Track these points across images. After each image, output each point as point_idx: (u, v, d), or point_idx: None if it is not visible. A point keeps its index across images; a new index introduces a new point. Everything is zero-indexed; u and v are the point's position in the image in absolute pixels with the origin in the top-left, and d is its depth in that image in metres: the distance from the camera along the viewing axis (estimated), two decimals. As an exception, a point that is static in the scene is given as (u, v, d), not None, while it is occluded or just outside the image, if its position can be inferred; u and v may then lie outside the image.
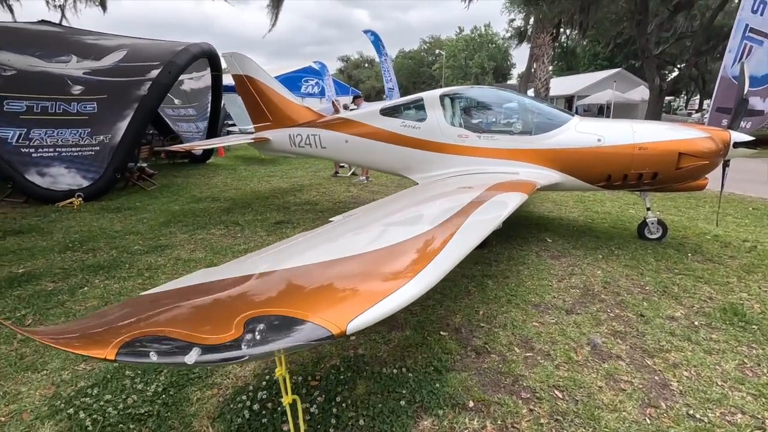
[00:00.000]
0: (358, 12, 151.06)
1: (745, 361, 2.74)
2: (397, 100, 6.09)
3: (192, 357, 1.38)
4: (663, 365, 2.70)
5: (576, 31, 28.20)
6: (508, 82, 52.53)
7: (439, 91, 5.55)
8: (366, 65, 71.78)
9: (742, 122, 5.92)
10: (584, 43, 44.12)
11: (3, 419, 2.29)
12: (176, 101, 12.07)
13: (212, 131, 12.29)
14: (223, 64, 8.98)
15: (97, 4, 14.53)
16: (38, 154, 7.26)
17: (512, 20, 32.22)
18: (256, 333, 1.46)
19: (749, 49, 6.48)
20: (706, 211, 6.72)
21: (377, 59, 22.97)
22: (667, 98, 34.98)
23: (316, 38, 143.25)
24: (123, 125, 7.52)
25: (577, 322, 3.23)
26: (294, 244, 2.68)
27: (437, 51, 55.94)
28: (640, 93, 30.56)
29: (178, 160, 13.24)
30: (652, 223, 5.20)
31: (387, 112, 5.84)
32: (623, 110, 31.81)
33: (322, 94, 27.28)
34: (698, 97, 39.91)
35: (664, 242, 5.18)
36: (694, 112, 36.26)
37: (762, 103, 5.98)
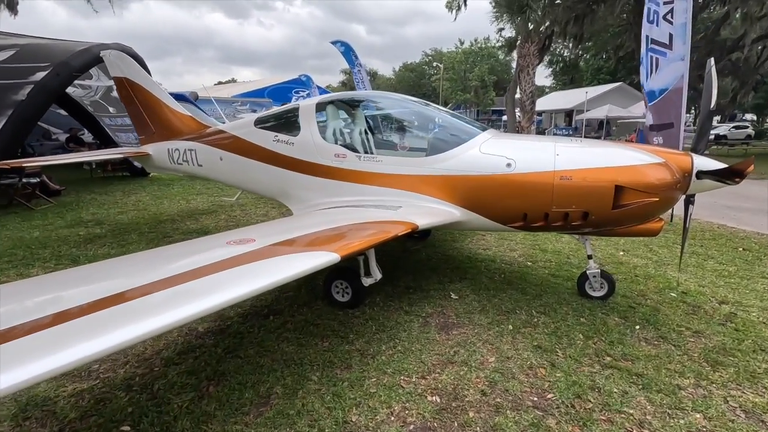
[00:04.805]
0: (355, 27, 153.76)
1: None
2: (275, 108, 4.85)
3: None
4: None
5: (571, 43, 27.02)
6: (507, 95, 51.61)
7: (317, 99, 4.32)
8: (368, 78, 71.68)
9: (655, 138, 4.71)
10: (587, 56, 42.99)
11: None
12: (111, 110, 11.02)
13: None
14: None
15: (4, 6, 13.67)
16: None
17: (501, 29, 31.02)
18: None
19: (656, 61, 5.91)
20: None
21: (378, 72, 22.14)
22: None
23: (316, 52, 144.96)
24: (-9, 135, 6.39)
25: (390, 483, 1.88)
26: None
27: (435, 63, 55.25)
28: (642, 108, 29.14)
29: (118, 173, 12.22)
30: (594, 277, 3.83)
31: (261, 123, 4.60)
32: (624, 125, 30.55)
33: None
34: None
35: (610, 302, 3.82)
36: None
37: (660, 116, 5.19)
